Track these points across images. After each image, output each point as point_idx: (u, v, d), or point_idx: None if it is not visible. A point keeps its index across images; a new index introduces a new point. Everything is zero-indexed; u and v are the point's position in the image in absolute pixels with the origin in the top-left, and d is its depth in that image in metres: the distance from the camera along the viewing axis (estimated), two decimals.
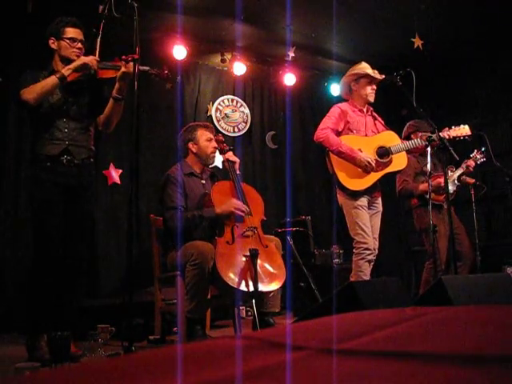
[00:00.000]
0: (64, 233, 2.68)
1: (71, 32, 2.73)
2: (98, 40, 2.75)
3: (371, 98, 3.47)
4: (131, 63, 2.59)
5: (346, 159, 3.26)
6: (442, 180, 3.55)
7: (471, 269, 3.78)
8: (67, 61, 2.69)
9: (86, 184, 2.78)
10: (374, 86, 3.46)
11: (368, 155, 3.26)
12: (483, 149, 3.84)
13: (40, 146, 2.66)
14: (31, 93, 2.57)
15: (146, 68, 2.73)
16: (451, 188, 3.73)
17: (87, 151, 2.78)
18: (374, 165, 3.24)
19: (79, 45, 2.73)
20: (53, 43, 2.73)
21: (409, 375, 0.50)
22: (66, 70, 2.61)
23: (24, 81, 2.63)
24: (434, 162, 3.85)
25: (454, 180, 3.83)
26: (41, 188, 2.64)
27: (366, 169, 3.25)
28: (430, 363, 0.54)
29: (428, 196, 3.23)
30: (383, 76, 3.42)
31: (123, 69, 2.64)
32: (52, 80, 2.60)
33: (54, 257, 2.62)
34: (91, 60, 2.65)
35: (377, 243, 3.36)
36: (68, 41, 2.71)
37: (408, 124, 4.03)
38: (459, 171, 3.85)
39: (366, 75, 3.42)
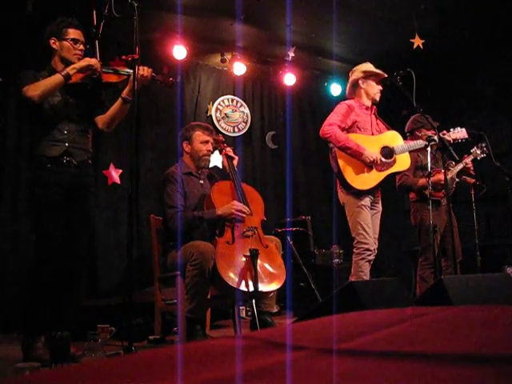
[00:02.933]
0: (65, 233, 2.67)
1: (73, 33, 2.71)
2: (97, 43, 2.73)
3: (378, 98, 3.48)
4: (146, 68, 2.62)
5: (351, 155, 3.25)
6: (441, 176, 3.54)
7: (461, 266, 3.78)
8: (67, 62, 2.67)
9: (88, 184, 2.79)
10: (381, 87, 3.47)
11: (374, 153, 3.27)
12: (483, 144, 3.83)
13: (40, 147, 2.65)
14: (35, 89, 2.53)
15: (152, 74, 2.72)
16: (450, 184, 3.73)
17: (86, 153, 2.78)
18: (379, 162, 3.26)
19: (81, 46, 2.71)
20: (54, 43, 2.70)
21: (409, 375, 0.50)
22: (70, 69, 2.58)
23: (25, 78, 2.59)
24: (435, 156, 3.85)
25: (453, 176, 3.82)
26: (43, 190, 2.62)
27: (371, 165, 3.26)
28: (430, 363, 0.54)
29: (428, 194, 3.24)
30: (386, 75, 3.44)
31: (141, 72, 2.63)
32: (57, 78, 2.57)
33: (56, 258, 2.61)
34: (96, 62, 2.63)
35: (376, 243, 3.37)
36: (71, 42, 2.69)
37: (412, 118, 3.98)
38: (459, 167, 3.84)
39: (377, 74, 3.42)
